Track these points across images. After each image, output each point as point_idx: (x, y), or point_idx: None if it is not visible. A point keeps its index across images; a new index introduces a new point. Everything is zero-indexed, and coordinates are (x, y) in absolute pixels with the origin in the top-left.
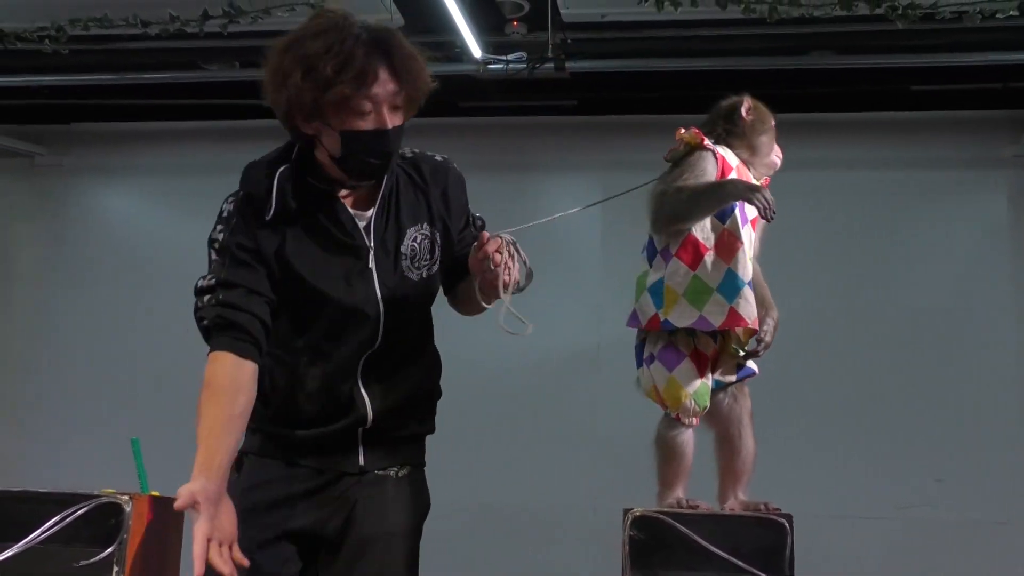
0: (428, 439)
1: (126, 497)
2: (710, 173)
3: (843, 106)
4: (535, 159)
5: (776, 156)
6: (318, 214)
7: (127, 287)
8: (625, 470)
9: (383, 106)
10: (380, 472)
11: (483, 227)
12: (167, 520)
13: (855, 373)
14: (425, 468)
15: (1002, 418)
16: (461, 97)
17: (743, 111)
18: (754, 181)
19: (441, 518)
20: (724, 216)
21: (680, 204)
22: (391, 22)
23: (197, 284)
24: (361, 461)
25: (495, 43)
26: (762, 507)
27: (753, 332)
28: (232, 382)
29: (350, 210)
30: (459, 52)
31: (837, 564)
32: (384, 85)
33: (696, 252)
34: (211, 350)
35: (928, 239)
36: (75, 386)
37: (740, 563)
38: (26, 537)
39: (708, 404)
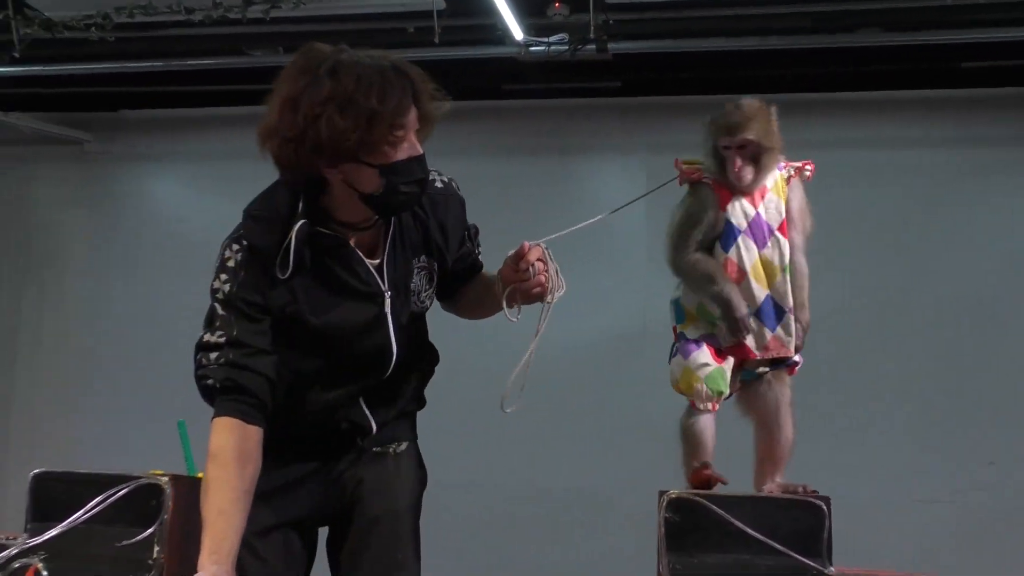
0: (479, 425)
1: (166, 479)
2: (710, 204)
3: (891, 84)
4: (577, 141)
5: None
6: (332, 265)
7: (175, 272)
8: (669, 453)
9: (411, 132)
10: (378, 450)
11: (476, 234)
12: None
13: (907, 356)
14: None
15: None
16: (503, 80)
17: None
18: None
19: (487, 497)
20: (727, 245)
21: (687, 273)
22: (432, 6)
23: (201, 339)
24: (360, 443)
25: (537, 25)
26: (800, 489)
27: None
28: (240, 454)
29: (362, 256)
30: (501, 35)
31: (891, 549)
32: (412, 111)
33: None
34: (216, 414)
35: (981, 218)
36: (125, 369)
37: (777, 545)
38: (70, 517)
39: (724, 389)
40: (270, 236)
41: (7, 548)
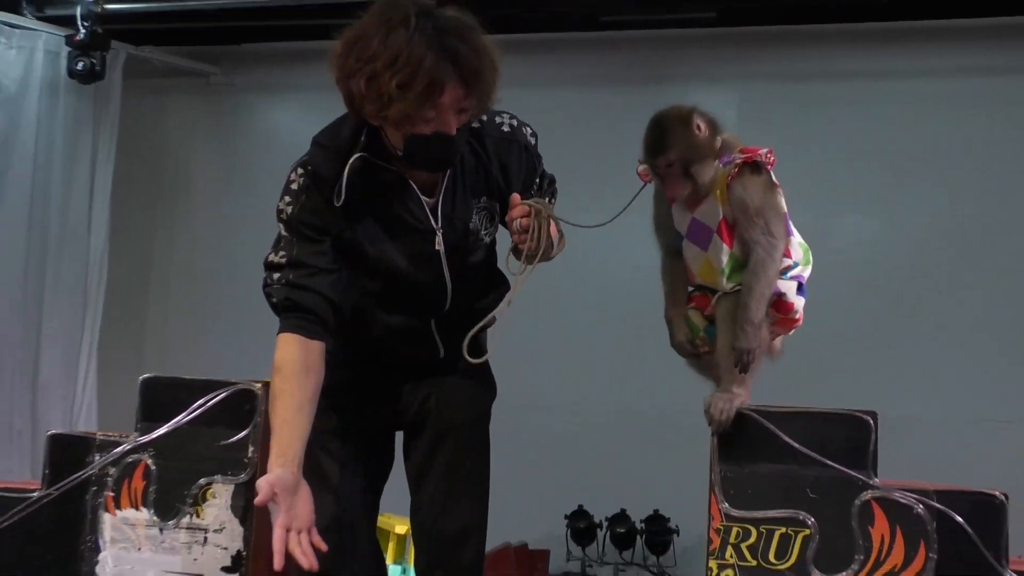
0: (558, 348)
1: (259, 385)
2: (664, 210)
3: (975, 12)
4: (672, 72)
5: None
6: (389, 199)
7: None
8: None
9: (448, 112)
10: (449, 366)
11: (551, 183)
12: None
13: (989, 281)
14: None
15: None
16: (601, 11)
17: (694, 125)
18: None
19: (564, 417)
20: (680, 248)
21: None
22: None
23: (267, 258)
24: (431, 360)
25: None
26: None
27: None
28: (302, 366)
29: (419, 193)
30: None
31: (973, 469)
32: (452, 92)
33: None
34: (280, 331)
35: None
36: (245, 289)
37: (824, 459)
38: (175, 419)
39: (699, 332)
40: (331, 165)
41: (120, 445)
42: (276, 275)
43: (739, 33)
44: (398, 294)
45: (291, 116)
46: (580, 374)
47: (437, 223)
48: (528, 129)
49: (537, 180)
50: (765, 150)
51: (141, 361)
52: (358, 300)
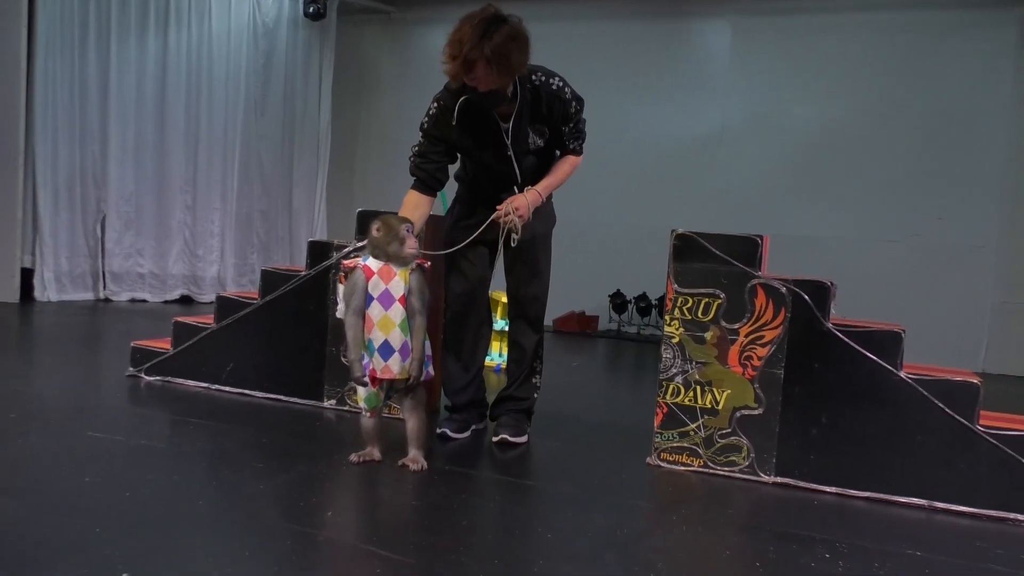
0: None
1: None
2: (361, 283)
3: None
4: (681, 8)
5: (410, 248)
6: (483, 123)
7: None
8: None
9: (480, 79)
10: None
11: (576, 136)
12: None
13: (872, 146)
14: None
15: (992, 163)
16: None
17: (372, 230)
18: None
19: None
20: (368, 306)
21: (345, 330)
22: None
23: (412, 148)
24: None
25: None
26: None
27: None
28: (417, 205)
29: (499, 120)
30: None
31: (869, 273)
32: (481, 70)
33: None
34: (411, 188)
35: (947, 58)
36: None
37: (732, 260)
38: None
39: (376, 404)
40: (451, 101)
41: (344, 248)
42: (412, 158)
43: None
44: (492, 174)
45: (442, 41)
46: (618, 205)
47: (508, 138)
48: (568, 90)
49: (569, 120)
50: (428, 264)
51: (352, 197)
52: (475, 173)
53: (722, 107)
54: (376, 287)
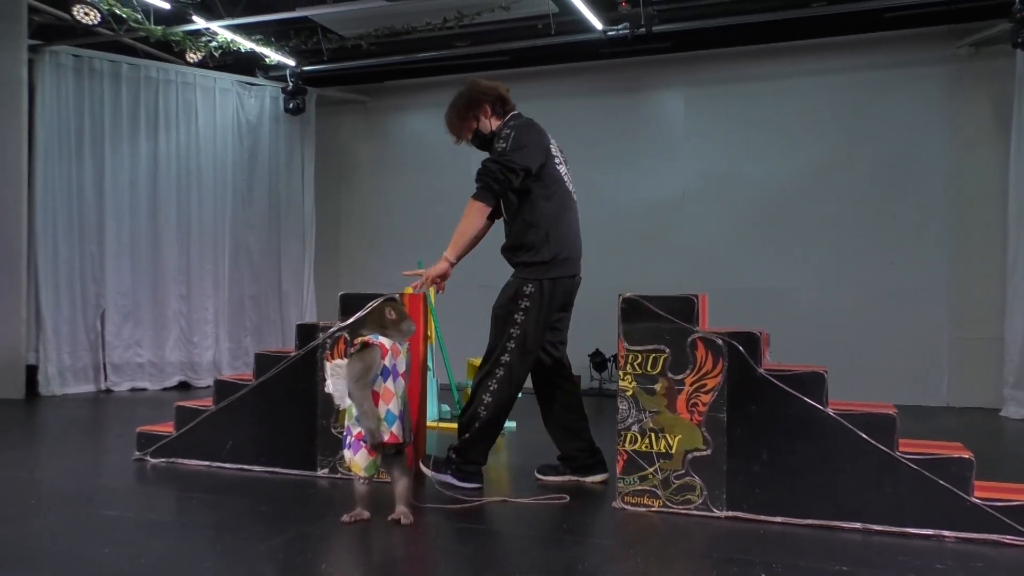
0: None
1: (399, 296)
2: (379, 359)
3: (828, 32)
4: (642, 84)
5: (411, 327)
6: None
7: (422, 170)
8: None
9: (459, 136)
10: None
11: (487, 162)
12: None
13: (822, 200)
14: None
15: (935, 207)
16: (596, 47)
17: (387, 313)
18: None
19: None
20: (385, 378)
21: (361, 404)
22: (549, 10)
23: (500, 158)
24: None
25: (610, 17)
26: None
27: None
28: (479, 216)
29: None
30: (590, 24)
31: (809, 318)
32: (453, 127)
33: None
34: (476, 198)
35: (882, 116)
36: (397, 235)
37: (673, 318)
38: (356, 314)
39: (374, 472)
40: (539, 128)
41: (331, 328)
42: (492, 164)
43: (686, 56)
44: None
45: (419, 124)
46: (596, 267)
47: (565, 168)
48: (508, 132)
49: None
50: (379, 342)
51: (338, 278)
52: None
53: (681, 171)
54: (390, 362)
